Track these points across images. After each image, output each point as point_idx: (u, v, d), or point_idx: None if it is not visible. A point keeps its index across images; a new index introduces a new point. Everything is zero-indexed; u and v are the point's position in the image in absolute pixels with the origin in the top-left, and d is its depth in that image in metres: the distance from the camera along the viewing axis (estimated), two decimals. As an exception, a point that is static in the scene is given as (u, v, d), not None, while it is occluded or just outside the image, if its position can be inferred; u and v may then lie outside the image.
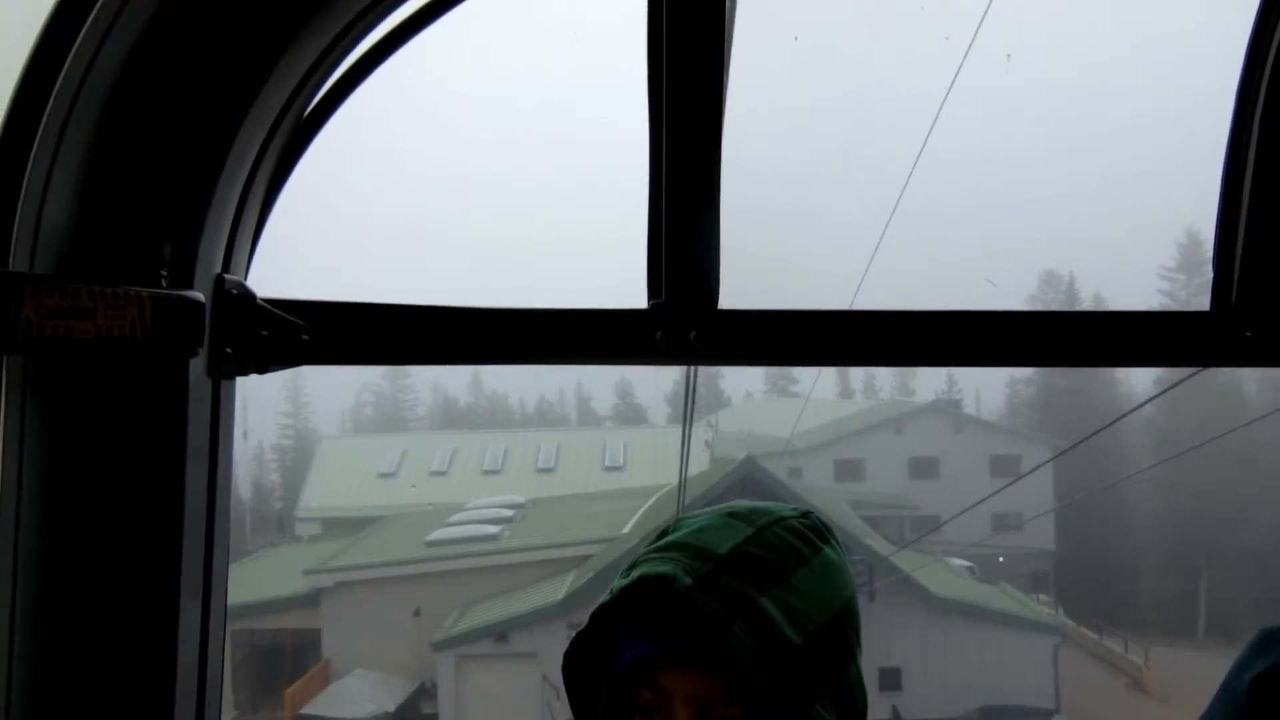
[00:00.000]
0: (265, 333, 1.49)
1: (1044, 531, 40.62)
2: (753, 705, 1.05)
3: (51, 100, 1.26)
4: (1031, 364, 1.75)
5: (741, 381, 77.04)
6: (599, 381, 78.10)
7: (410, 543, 31.28)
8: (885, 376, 75.04)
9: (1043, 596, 41.58)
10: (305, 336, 1.52)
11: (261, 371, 1.50)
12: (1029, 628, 26.88)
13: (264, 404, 71.13)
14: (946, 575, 28.96)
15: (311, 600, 28.90)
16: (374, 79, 1.60)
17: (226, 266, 1.47)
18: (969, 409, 67.64)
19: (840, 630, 1.12)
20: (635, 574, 1.12)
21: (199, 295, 1.38)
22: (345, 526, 37.83)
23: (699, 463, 32.30)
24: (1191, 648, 38.82)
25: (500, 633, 25.54)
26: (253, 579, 33.29)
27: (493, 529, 31.52)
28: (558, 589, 26.09)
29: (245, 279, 1.53)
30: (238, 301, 1.46)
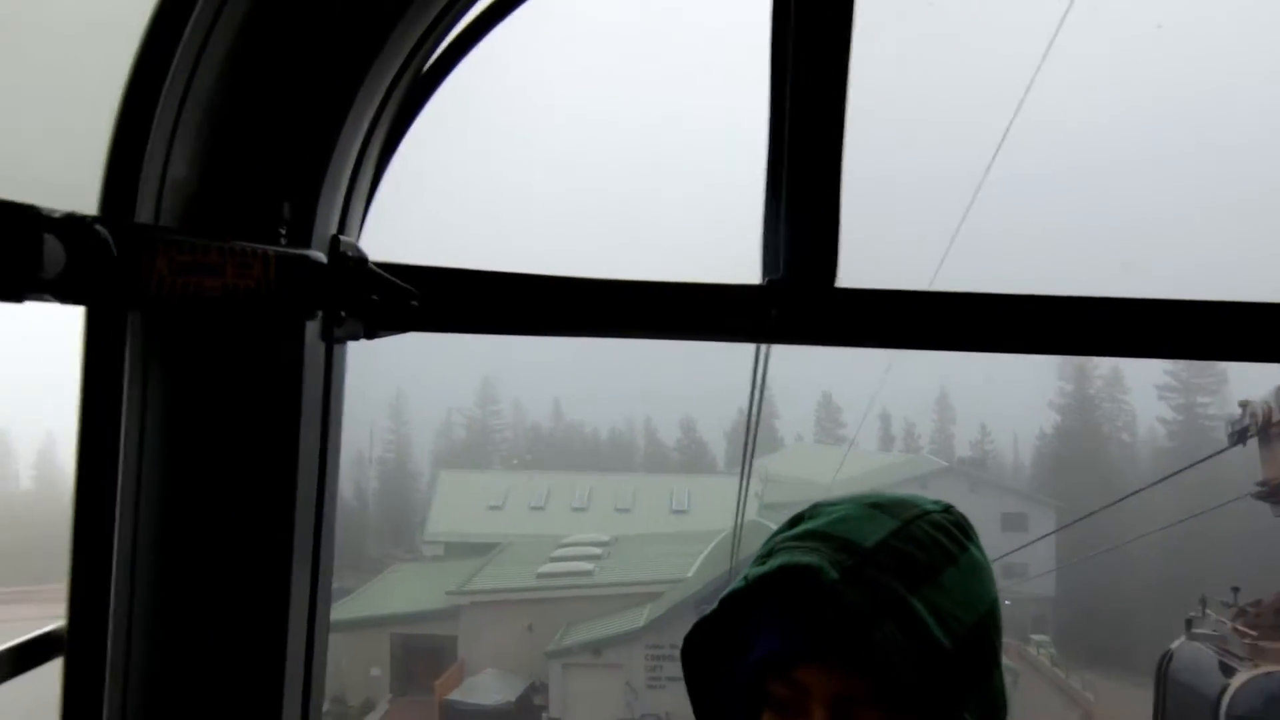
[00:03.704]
0: (376, 297, 1.41)
1: (1046, 579, 45.72)
2: (898, 709, 0.99)
3: (176, 56, 1.20)
4: (1165, 355, 1.57)
5: (793, 425, 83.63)
6: (665, 418, 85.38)
7: (523, 570, 38.74)
8: (925, 424, 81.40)
9: (1038, 636, 48.60)
10: (415, 303, 1.45)
11: (370, 337, 1.43)
12: (993, 667, 34.92)
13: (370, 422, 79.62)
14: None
15: (451, 614, 36.32)
16: (490, 41, 1.49)
17: (341, 228, 1.39)
18: (1007, 457, 74.10)
19: (986, 634, 1.05)
20: (774, 563, 1.03)
21: (320, 255, 1.31)
22: (463, 550, 45.34)
23: (749, 510, 39.63)
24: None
25: (596, 648, 33.22)
26: (396, 591, 40.92)
27: (588, 565, 38.75)
28: (638, 617, 33.86)
29: (358, 241, 1.45)
30: (352, 264, 1.39)
